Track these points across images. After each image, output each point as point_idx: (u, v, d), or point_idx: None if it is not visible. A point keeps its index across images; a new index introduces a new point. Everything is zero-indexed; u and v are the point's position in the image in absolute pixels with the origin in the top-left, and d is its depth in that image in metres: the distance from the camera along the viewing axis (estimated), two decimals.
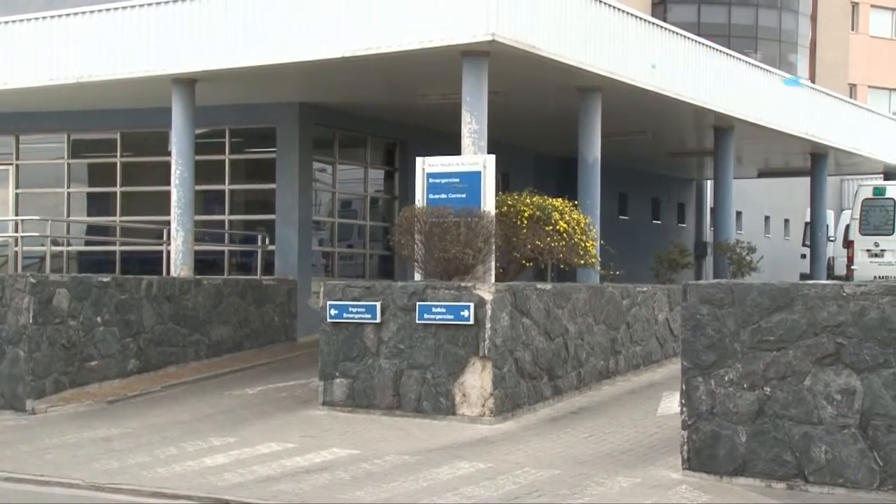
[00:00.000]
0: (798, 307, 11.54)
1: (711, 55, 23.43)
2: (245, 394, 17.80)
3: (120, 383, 18.29)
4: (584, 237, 18.38)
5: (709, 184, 35.21)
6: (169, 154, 21.64)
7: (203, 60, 19.79)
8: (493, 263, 16.73)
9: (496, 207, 17.02)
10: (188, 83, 20.55)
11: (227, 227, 24.20)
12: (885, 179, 31.31)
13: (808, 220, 32.64)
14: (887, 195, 25.07)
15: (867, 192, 25.49)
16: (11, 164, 25.93)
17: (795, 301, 11.56)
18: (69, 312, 17.51)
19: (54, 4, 22.97)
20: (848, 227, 27.11)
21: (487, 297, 15.21)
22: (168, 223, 21.23)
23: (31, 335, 16.93)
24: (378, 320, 15.88)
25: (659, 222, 36.07)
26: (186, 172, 20.83)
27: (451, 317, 15.29)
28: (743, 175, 32.61)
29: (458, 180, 16.84)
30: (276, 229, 23.28)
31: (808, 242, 32.05)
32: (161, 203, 22.32)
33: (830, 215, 33.41)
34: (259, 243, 23.39)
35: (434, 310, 15.50)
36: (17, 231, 22.82)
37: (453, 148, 18.02)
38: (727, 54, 24.24)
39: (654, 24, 21.95)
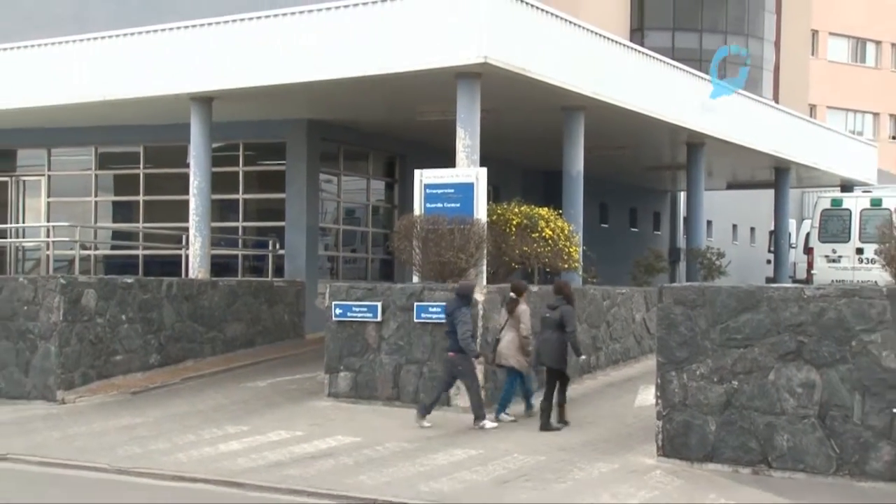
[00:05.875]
0: (763, 308, 11.57)
1: (685, 77, 23.47)
2: (257, 386, 17.80)
3: (142, 376, 18.29)
4: (567, 243, 18.41)
5: (682, 195, 35.18)
6: (187, 166, 21.66)
7: (219, 80, 19.80)
8: (484, 267, 16.75)
9: (487, 216, 17.04)
10: (205, 101, 20.56)
11: (240, 233, 24.17)
12: (842, 192, 31.29)
13: (772, 228, 32.64)
14: (844, 206, 25.05)
15: (826, 204, 25.48)
16: (44, 174, 25.91)
17: (761, 303, 11.59)
18: (96, 311, 17.52)
19: (84, 28, 22.95)
20: (808, 235, 27.10)
21: (479, 297, 15.23)
22: (187, 229, 21.22)
23: (62, 331, 16.95)
24: (379, 319, 15.91)
25: (636, 230, 36.05)
26: (204, 183, 20.82)
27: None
28: (713, 187, 32.60)
29: (452, 191, 16.86)
30: (285, 235, 23.28)
31: (772, 249, 32.06)
32: (180, 211, 22.30)
33: (792, 224, 33.42)
34: (270, 248, 23.39)
35: (430, 309, 15.53)
36: (48, 236, 22.84)
37: (448, 161, 18.02)
38: (699, 76, 24.26)
39: (632, 48, 21.97)
